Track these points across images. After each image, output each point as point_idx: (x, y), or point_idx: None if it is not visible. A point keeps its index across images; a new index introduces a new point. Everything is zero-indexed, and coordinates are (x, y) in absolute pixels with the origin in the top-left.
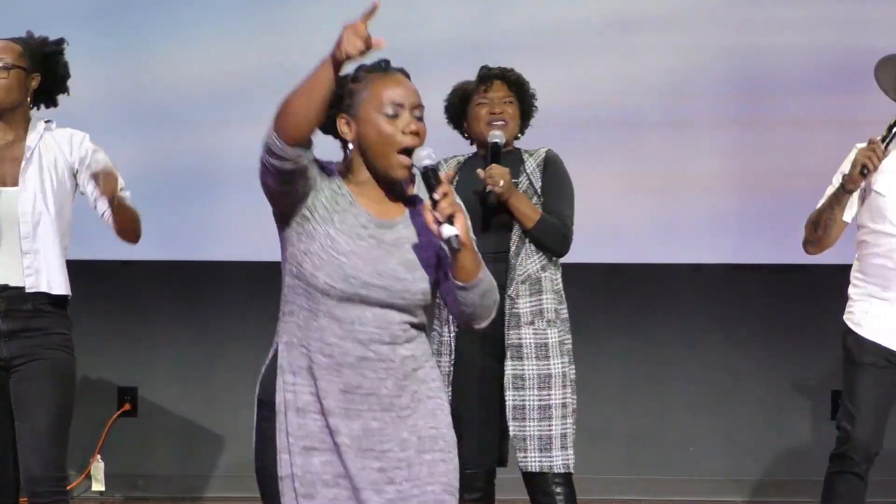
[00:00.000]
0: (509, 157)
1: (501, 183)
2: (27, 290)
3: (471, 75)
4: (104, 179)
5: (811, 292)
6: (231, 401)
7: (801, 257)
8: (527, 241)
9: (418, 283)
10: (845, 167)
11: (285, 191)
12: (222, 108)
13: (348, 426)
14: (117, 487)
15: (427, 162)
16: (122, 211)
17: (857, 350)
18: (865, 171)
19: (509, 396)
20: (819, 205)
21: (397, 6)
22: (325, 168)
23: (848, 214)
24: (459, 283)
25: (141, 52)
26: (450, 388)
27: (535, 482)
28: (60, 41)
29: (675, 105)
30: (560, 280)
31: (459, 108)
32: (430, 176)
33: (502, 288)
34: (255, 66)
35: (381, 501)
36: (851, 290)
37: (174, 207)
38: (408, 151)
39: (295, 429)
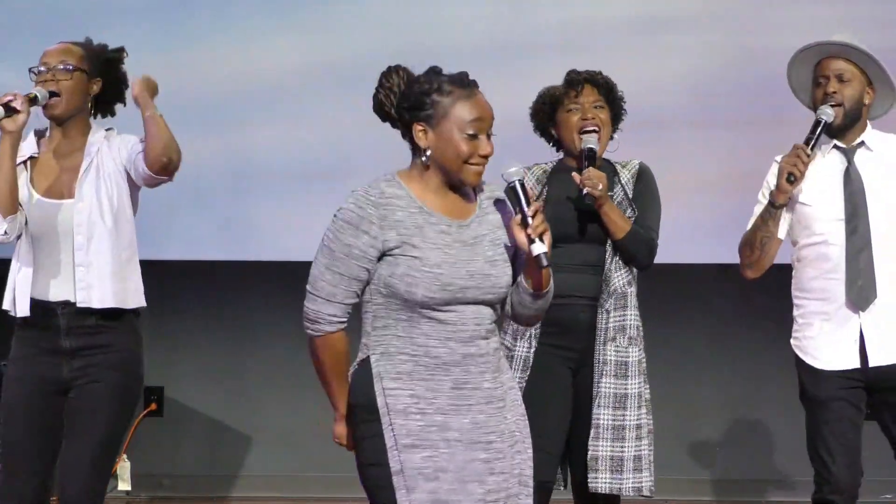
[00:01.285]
0: (602, 168)
1: (600, 186)
2: (79, 305)
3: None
4: (140, 83)
5: None
6: (257, 401)
7: None
8: (616, 254)
9: (502, 276)
10: (772, 181)
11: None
12: (251, 107)
13: (459, 421)
14: (143, 487)
15: (517, 178)
16: (154, 119)
17: (812, 383)
18: (792, 179)
19: (595, 414)
20: (749, 225)
21: (424, 6)
22: (384, 193)
23: (781, 231)
24: (536, 293)
25: (166, 53)
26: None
27: (582, 498)
28: (120, 49)
29: (702, 105)
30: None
31: (548, 115)
32: (520, 192)
33: (594, 300)
34: (282, 65)
35: (483, 492)
36: (795, 312)
37: (201, 207)
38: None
39: (398, 428)
